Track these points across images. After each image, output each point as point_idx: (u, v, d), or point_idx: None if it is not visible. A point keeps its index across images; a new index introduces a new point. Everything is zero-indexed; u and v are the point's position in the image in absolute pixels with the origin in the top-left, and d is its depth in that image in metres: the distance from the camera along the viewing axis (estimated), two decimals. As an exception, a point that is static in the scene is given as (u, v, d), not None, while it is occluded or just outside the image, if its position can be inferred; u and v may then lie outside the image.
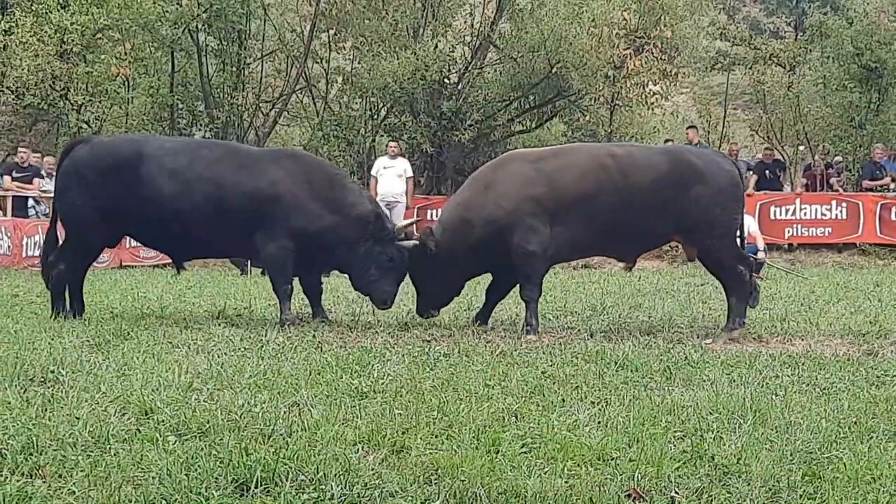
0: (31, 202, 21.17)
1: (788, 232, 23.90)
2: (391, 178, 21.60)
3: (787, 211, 23.98)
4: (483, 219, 10.16)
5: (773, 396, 6.54)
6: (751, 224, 19.33)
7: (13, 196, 20.16)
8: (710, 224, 10.11)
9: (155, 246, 11.92)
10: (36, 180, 20.89)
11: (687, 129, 26.25)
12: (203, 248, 11.21)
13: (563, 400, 6.37)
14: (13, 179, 20.56)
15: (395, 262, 10.45)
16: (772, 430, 5.60)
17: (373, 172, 22.66)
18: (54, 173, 11.61)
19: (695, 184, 10.05)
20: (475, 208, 10.28)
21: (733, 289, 10.22)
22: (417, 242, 10.44)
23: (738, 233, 10.50)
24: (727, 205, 10.17)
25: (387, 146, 24.68)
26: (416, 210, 22.91)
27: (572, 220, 10.06)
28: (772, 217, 23.73)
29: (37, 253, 19.13)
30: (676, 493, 4.56)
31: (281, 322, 10.17)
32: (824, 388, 6.94)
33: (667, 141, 26.50)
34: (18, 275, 16.97)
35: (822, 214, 24.03)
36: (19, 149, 21.84)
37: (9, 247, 18.45)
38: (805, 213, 23.99)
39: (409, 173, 22.34)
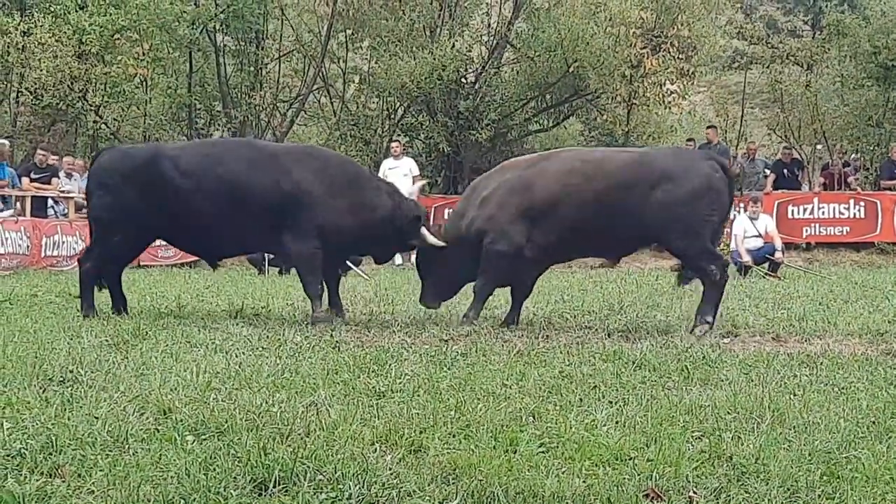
0: (50, 202, 21.24)
1: (806, 231, 23.85)
2: (397, 177, 21.43)
3: (804, 210, 23.93)
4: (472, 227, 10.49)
5: (792, 396, 6.51)
6: (768, 223, 19.37)
7: (33, 196, 20.22)
8: (677, 226, 10.15)
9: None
10: (54, 180, 20.96)
11: (707, 128, 26.25)
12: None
13: (581, 399, 6.36)
14: (31, 180, 20.62)
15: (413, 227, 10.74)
16: (790, 429, 5.58)
17: (380, 174, 22.68)
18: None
19: (660, 186, 10.10)
20: (468, 217, 10.58)
21: (704, 289, 10.26)
22: (434, 238, 10.56)
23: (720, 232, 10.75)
24: (697, 206, 10.18)
25: (389, 147, 24.72)
26: (433, 209, 22.86)
27: (548, 225, 10.24)
28: (790, 216, 23.68)
29: (55, 252, 19.25)
30: (694, 493, 4.55)
31: (312, 321, 10.21)
32: (843, 388, 6.91)
33: (688, 140, 26.49)
34: (37, 274, 17.03)
35: (840, 213, 23.96)
36: (38, 150, 21.91)
37: (28, 246, 18.50)
38: (823, 212, 23.93)
39: (416, 171, 22.37)
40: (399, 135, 27.59)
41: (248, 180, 10.37)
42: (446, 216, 22.29)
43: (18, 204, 19.62)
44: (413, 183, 21.72)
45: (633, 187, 10.06)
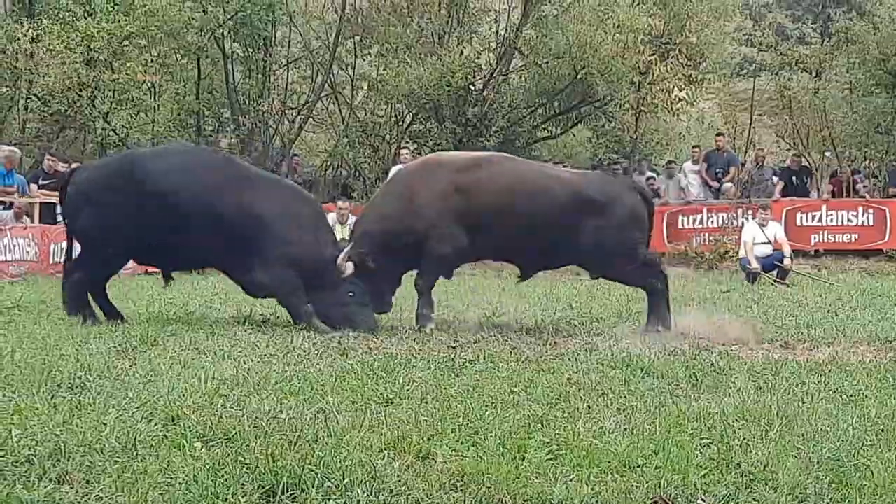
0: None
1: (814, 238, 23.76)
2: None
3: (813, 217, 23.84)
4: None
5: (800, 403, 6.52)
6: (777, 230, 19.32)
7: (41, 203, 20.24)
8: (608, 256, 10.59)
9: None
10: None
11: (715, 136, 26.26)
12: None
13: (589, 407, 6.36)
14: (40, 187, 20.65)
15: (356, 294, 10.58)
16: (798, 437, 5.58)
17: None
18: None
19: (591, 217, 10.49)
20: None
21: (650, 299, 10.70)
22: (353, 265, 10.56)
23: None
24: (627, 236, 10.55)
25: (396, 153, 24.70)
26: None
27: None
28: (798, 223, 23.59)
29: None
30: (703, 500, 4.55)
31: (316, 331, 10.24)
32: (851, 396, 6.91)
33: (694, 147, 26.48)
34: (46, 281, 17.04)
35: (849, 221, 23.87)
36: (47, 157, 21.94)
37: (36, 253, 18.52)
38: (831, 220, 23.84)
39: None
40: (407, 142, 27.57)
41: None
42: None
43: (23, 210, 19.57)
44: None
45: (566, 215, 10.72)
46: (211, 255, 10.93)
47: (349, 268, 10.47)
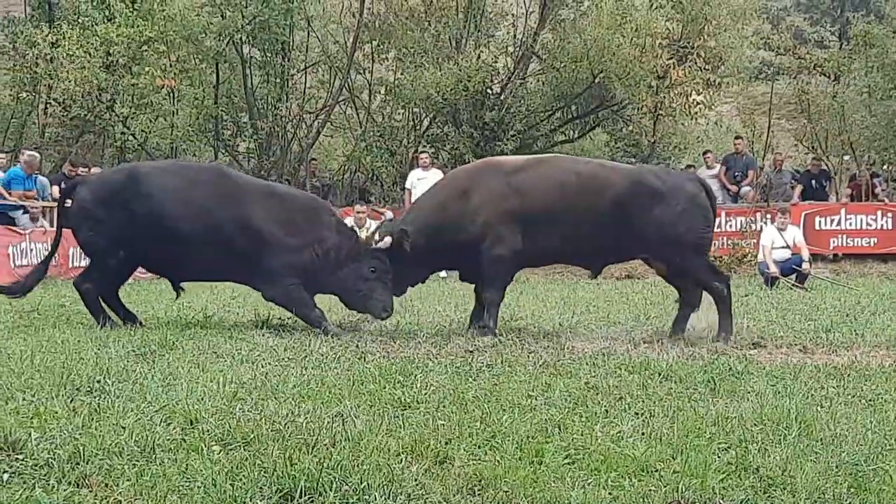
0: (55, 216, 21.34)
1: (833, 242, 23.70)
2: (425, 189, 21.27)
3: (832, 221, 23.77)
4: None
5: (819, 408, 6.49)
6: (796, 234, 19.28)
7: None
8: (674, 244, 10.28)
9: None
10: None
11: (734, 139, 26.20)
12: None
13: (607, 411, 6.36)
14: (60, 190, 20.73)
15: (378, 272, 10.59)
16: (817, 441, 5.56)
17: (407, 185, 22.67)
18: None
19: (654, 205, 10.32)
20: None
21: (719, 307, 10.44)
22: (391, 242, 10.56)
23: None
24: (692, 224, 10.39)
25: (416, 157, 24.70)
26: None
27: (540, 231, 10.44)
28: (817, 227, 23.53)
29: (83, 263, 19.31)
30: (721, 504, 4.54)
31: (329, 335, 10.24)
32: (870, 400, 6.89)
33: (705, 153, 26.44)
34: (65, 285, 17.09)
35: (868, 224, 23.80)
36: (68, 162, 22.01)
37: (55, 257, 18.58)
38: (850, 224, 23.77)
39: None
40: (425, 146, 27.60)
41: None
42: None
43: (38, 212, 19.61)
44: None
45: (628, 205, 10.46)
46: (214, 269, 11.01)
47: (385, 241, 10.49)
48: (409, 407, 6.37)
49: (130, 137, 26.56)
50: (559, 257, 11.34)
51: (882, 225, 23.68)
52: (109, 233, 10.58)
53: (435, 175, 21.99)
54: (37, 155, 20.96)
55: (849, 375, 7.84)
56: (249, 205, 10.62)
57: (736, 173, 24.57)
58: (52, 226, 19.41)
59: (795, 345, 9.82)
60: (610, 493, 4.63)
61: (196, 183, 10.78)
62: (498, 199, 10.42)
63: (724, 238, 22.84)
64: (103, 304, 10.91)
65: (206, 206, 10.56)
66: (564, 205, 10.34)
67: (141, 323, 10.82)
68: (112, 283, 11.08)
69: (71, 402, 6.24)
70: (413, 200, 21.25)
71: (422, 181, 21.62)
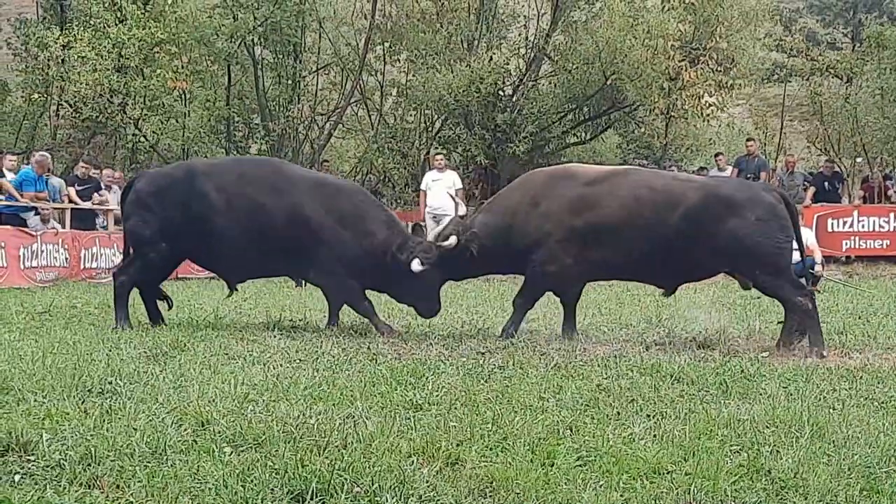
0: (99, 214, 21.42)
1: (846, 244, 23.67)
2: (440, 191, 21.16)
3: (844, 223, 23.74)
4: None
5: (831, 410, 6.47)
6: (808, 236, 19.20)
7: (74, 209, 20.33)
8: (754, 256, 10.07)
9: None
10: (96, 195, 21.06)
11: (746, 141, 26.15)
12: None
13: (619, 413, 6.34)
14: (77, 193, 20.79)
15: (427, 269, 10.52)
16: (829, 444, 5.54)
17: (422, 186, 22.62)
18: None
19: (730, 217, 10.02)
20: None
21: (807, 323, 9.97)
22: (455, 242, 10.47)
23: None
24: (770, 235, 10.11)
25: (431, 158, 24.70)
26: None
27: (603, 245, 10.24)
28: (829, 229, 23.51)
29: (94, 265, 19.38)
30: (732, 507, 4.53)
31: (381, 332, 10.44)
32: (882, 402, 6.87)
33: (717, 155, 26.38)
34: (77, 286, 17.15)
35: (880, 226, 23.77)
36: (80, 163, 22.05)
37: (66, 259, 18.65)
38: (863, 226, 23.74)
39: (458, 185, 21.88)
40: (437, 147, 27.62)
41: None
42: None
43: (49, 213, 19.65)
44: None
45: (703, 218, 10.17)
46: (270, 264, 11.14)
47: (451, 241, 10.40)
48: (421, 408, 6.36)
49: (142, 139, 26.64)
50: (628, 273, 11.11)
51: (894, 227, 23.63)
52: (156, 225, 10.73)
53: (450, 176, 22.00)
54: (48, 155, 21.00)
55: (861, 378, 7.82)
56: (304, 198, 10.70)
57: (748, 175, 24.50)
58: (64, 227, 19.48)
59: (807, 347, 9.78)
60: (621, 496, 4.62)
61: (252, 179, 10.88)
62: (566, 212, 10.27)
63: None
64: (141, 296, 11.17)
65: (261, 203, 10.65)
66: (639, 219, 10.12)
67: (165, 324, 10.90)
68: (153, 277, 11.18)
69: (82, 403, 6.24)
70: (427, 201, 21.34)
71: (437, 182, 21.62)
